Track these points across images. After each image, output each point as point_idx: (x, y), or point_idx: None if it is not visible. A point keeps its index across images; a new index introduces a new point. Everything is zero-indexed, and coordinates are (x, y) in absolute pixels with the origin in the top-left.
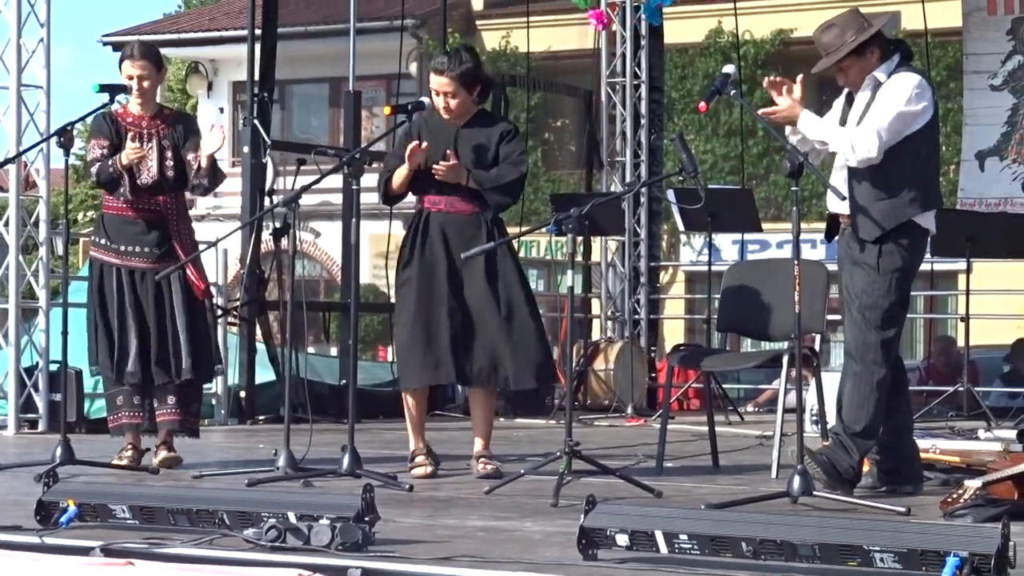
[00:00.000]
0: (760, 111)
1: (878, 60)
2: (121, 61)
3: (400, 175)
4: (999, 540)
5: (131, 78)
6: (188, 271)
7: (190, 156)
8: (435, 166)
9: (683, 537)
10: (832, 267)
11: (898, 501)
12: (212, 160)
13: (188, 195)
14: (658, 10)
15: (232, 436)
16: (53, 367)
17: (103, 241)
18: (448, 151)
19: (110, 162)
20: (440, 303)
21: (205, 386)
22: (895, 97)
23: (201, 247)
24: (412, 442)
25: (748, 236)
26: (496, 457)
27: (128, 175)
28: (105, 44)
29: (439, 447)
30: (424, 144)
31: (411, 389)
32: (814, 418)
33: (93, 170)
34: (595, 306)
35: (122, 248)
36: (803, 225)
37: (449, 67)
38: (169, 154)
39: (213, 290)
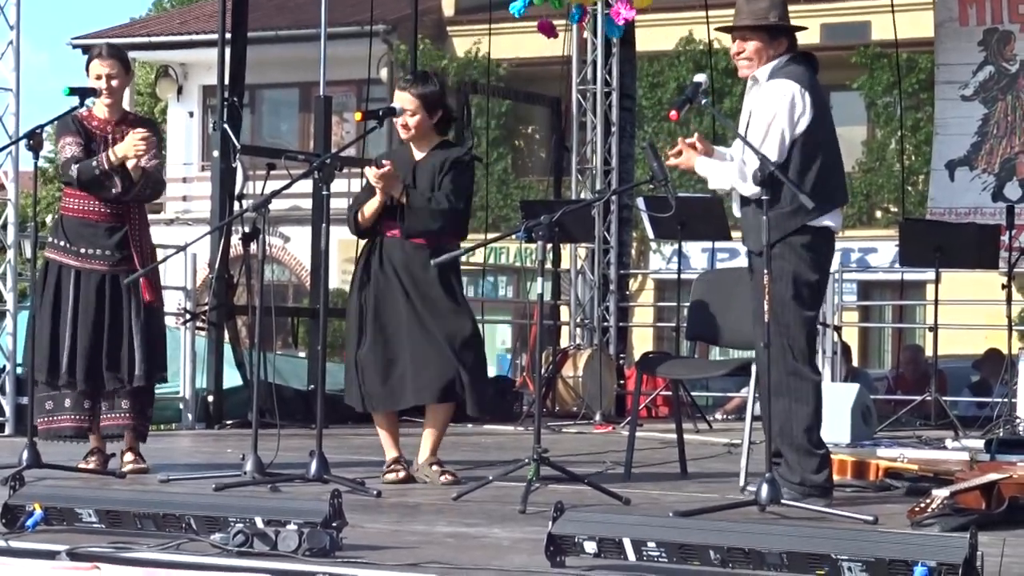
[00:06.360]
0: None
1: (778, 55)
2: (89, 62)
3: (371, 207)
4: (967, 550)
5: (99, 77)
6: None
7: (142, 160)
8: (368, 168)
9: (651, 545)
10: None
11: (866, 510)
12: (138, 168)
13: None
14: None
15: (199, 440)
16: (20, 370)
17: (61, 243)
18: (384, 160)
19: (94, 162)
20: (383, 329)
21: (173, 391)
22: (765, 111)
23: (169, 252)
24: (386, 453)
25: (718, 244)
26: (464, 463)
27: (116, 174)
28: (75, 47)
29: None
30: (387, 164)
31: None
32: None
33: (74, 168)
34: (564, 313)
35: (82, 251)
36: None
37: (413, 84)
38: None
39: (181, 294)
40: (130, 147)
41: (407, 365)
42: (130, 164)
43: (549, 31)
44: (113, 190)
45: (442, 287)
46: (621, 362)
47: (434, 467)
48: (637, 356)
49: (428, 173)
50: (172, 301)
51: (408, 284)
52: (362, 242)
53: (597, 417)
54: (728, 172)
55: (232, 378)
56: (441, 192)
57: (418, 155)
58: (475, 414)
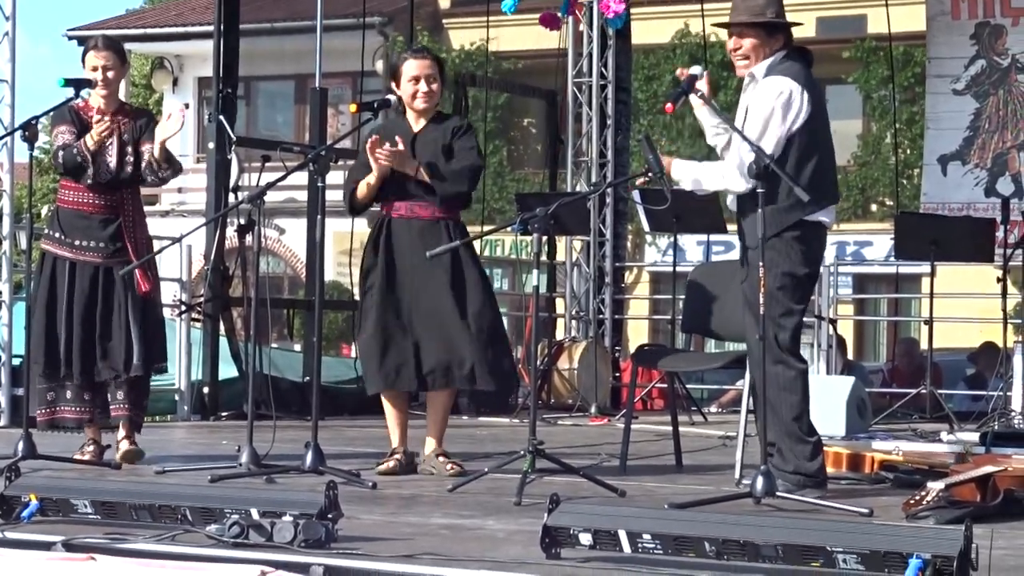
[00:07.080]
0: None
1: (774, 51)
2: (85, 53)
3: (370, 181)
4: (962, 542)
5: (95, 68)
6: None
7: (145, 147)
8: (379, 150)
9: (646, 537)
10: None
11: (861, 502)
12: (164, 149)
13: (150, 188)
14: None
15: (195, 432)
16: (16, 361)
17: (57, 235)
18: (396, 137)
19: (75, 147)
20: (401, 310)
21: (168, 382)
22: (761, 107)
23: (164, 244)
24: (391, 440)
25: (713, 237)
26: (459, 456)
27: (94, 160)
28: (71, 39)
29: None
30: (386, 141)
31: (375, 393)
32: None
33: (60, 155)
34: (560, 305)
35: (76, 243)
36: None
37: (427, 53)
38: (129, 149)
39: (177, 286)
40: (165, 129)
41: (411, 347)
42: (164, 139)
43: (552, 23)
44: (107, 176)
45: (452, 267)
46: (616, 355)
47: (440, 458)
48: (632, 349)
49: (430, 145)
50: (168, 292)
51: (415, 265)
52: (357, 234)
53: (592, 409)
54: (707, 174)
55: (228, 370)
56: (462, 153)
57: (416, 127)
58: (488, 387)
